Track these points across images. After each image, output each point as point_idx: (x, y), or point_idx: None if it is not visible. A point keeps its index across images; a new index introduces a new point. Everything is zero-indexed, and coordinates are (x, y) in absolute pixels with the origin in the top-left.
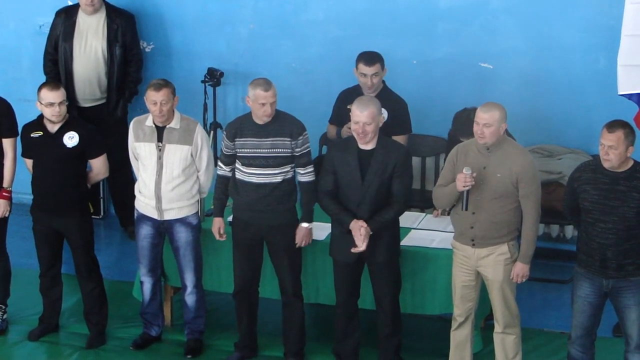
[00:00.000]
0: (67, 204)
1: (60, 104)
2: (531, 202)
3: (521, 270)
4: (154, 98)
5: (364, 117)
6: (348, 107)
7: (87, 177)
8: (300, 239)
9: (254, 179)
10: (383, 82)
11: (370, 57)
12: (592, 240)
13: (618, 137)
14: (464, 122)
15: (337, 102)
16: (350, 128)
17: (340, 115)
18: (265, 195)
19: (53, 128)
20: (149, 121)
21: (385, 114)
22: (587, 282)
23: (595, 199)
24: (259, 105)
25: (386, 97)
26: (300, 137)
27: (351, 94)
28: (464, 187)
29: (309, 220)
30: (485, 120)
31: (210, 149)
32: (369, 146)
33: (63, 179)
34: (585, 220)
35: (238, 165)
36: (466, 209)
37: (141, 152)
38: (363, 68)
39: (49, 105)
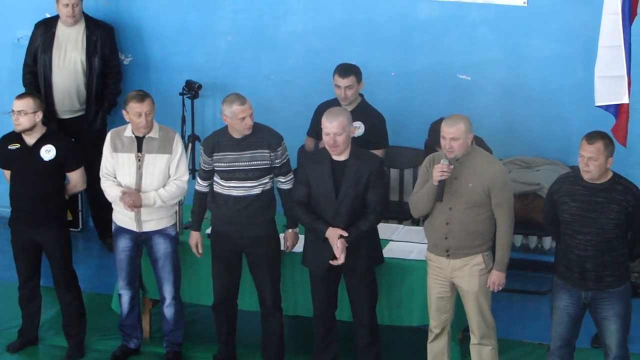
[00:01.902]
0: (45, 216)
1: (19, 113)
2: (504, 210)
3: (497, 278)
4: (138, 110)
5: (334, 128)
6: None
7: (65, 189)
8: (289, 244)
9: (233, 192)
10: (361, 95)
11: (344, 69)
12: (571, 252)
13: (598, 149)
14: (440, 132)
15: (316, 115)
16: None
17: (319, 128)
18: (244, 208)
19: (30, 140)
20: (127, 131)
21: (362, 127)
22: (566, 294)
23: (575, 210)
24: (238, 120)
25: (363, 110)
26: (279, 148)
27: (329, 107)
28: (440, 177)
29: (294, 225)
30: (452, 134)
31: (186, 161)
32: (342, 157)
33: (41, 192)
34: (564, 232)
35: (217, 179)
36: (441, 200)
37: (119, 162)
38: (337, 79)
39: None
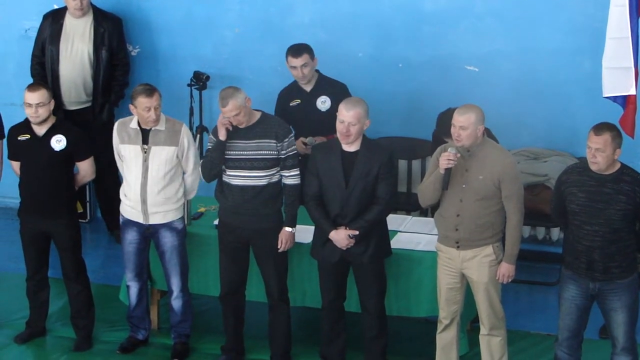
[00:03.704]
0: (55, 206)
1: (38, 105)
2: (514, 202)
3: (506, 270)
4: (147, 104)
5: (350, 117)
6: (291, 104)
7: (74, 179)
8: (282, 243)
9: (239, 182)
10: (317, 71)
11: (296, 49)
12: (579, 243)
13: (605, 140)
14: (448, 123)
15: (278, 102)
16: (303, 143)
17: (281, 115)
18: (250, 199)
19: (40, 131)
20: (133, 123)
21: (327, 101)
22: (573, 285)
23: (582, 201)
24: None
25: (325, 85)
26: (286, 140)
27: (290, 91)
28: (447, 165)
29: (292, 224)
30: (461, 123)
31: (197, 150)
32: (353, 148)
33: (51, 182)
34: (572, 223)
35: (223, 167)
36: (446, 189)
37: (126, 154)
38: (291, 60)
39: (28, 106)
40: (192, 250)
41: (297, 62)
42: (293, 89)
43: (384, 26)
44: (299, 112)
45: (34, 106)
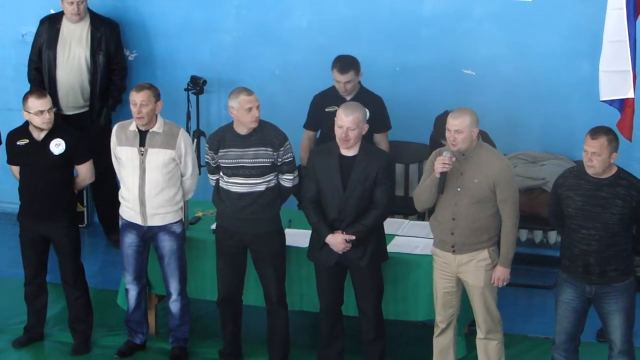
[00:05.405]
0: (55, 210)
1: (49, 110)
2: (509, 206)
3: (502, 273)
4: (134, 98)
5: (348, 122)
6: (327, 109)
7: (74, 183)
8: None
9: (237, 188)
10: (359, 83)
11: (343, 66)
12: (575, 246)
13: (601, 144)
14: (445, 125)
15: (312, 106)
16: None
17: (316, 120)
18: (248, 204)
19: (39, 135)
20: (132, 126)
21: (367, 113)
22: (570, 288)
23: (579, 205)
24: (245, 111)
25: (364, 97)
26: (282, 148)
27: (325, 97)
28: (442, 169)
29: None
30: (456, 127)
31: (194, 153)
32: (351, 152)
33: (51, 186)
34: (568, 226)
35: (221, 174)
36: (442, 193)
37: (123, 156)
38: (337, 75)
39: (39, 113)
40: (189, 254)
41: (342, 78)
42: (331, 95)
43: (382, 30)
44: (334, 119)
45: (45, 112)
